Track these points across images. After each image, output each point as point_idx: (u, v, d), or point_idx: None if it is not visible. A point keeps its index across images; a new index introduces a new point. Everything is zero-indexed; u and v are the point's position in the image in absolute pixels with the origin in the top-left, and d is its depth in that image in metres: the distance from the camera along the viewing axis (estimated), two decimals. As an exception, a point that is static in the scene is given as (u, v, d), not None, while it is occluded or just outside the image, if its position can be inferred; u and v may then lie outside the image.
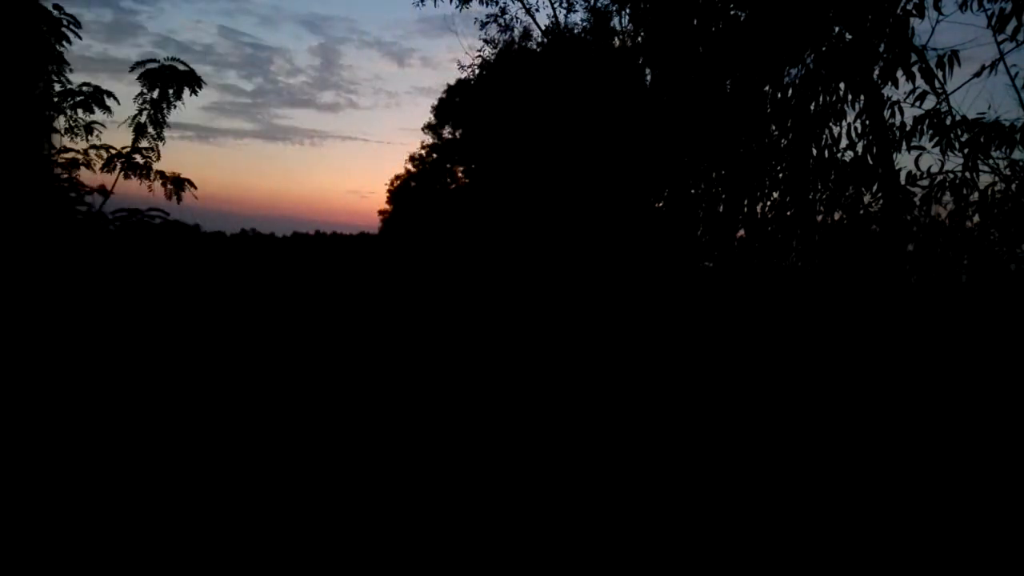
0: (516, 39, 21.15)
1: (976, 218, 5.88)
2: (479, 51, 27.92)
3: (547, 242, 17.02)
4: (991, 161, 5.65)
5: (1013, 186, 5.63)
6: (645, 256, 11.47)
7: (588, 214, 14.32)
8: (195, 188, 9.30)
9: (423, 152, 41.45)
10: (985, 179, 5.75)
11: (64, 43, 8.04)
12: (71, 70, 8.24)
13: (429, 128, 38.21)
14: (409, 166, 44.79)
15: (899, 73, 6.10)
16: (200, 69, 9.09)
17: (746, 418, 6.14)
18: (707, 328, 8.75)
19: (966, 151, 5.75)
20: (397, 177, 49.12)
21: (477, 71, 23.62)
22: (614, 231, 12.89)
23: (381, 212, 58.26)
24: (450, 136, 35.98)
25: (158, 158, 9.06)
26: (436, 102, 36.00)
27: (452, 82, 38.36)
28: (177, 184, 9.18)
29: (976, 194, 5.77)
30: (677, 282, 10.08)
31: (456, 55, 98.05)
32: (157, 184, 8.94)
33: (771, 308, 7.78)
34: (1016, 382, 4.98)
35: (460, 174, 35.09)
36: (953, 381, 5.35)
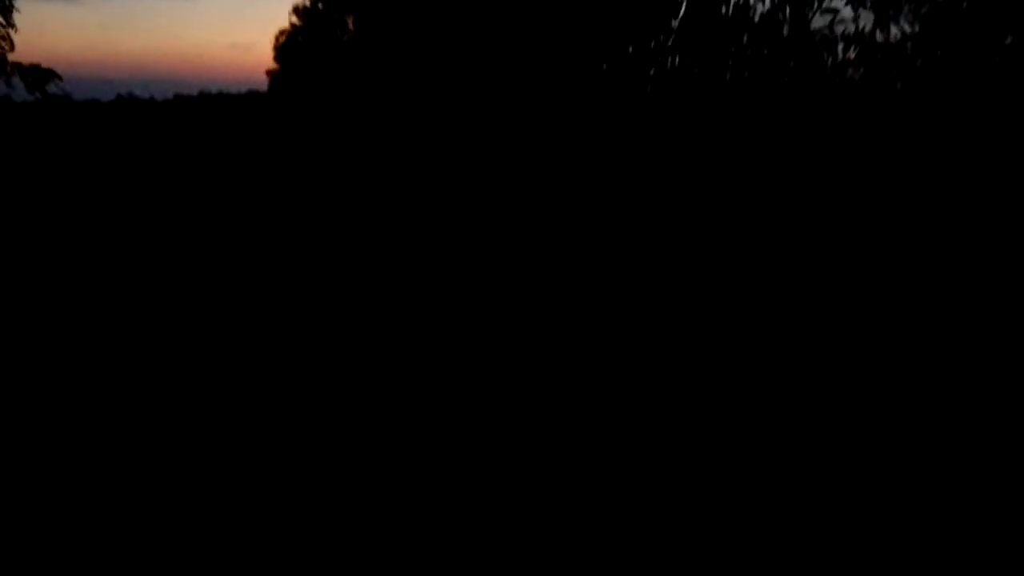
0: None
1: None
2: None
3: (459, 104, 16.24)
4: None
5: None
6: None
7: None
8: (60, 80, 8.30)
9: (308, 1, 38.11)
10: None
11: None
12: None
13: (312, -30, 34.93)
14: (294, 19, 41.24)
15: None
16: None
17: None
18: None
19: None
20: (282, 32, 45.28)
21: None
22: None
23: (269, 72, 54.14)
24: (334, -22, 33.05)
25: (11, 48, 7.98)
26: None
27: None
28: (39, 77, 8.18)
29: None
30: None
31: None
32: (17, 81, 7.93)
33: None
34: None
35: (351, 25, 32.69)
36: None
